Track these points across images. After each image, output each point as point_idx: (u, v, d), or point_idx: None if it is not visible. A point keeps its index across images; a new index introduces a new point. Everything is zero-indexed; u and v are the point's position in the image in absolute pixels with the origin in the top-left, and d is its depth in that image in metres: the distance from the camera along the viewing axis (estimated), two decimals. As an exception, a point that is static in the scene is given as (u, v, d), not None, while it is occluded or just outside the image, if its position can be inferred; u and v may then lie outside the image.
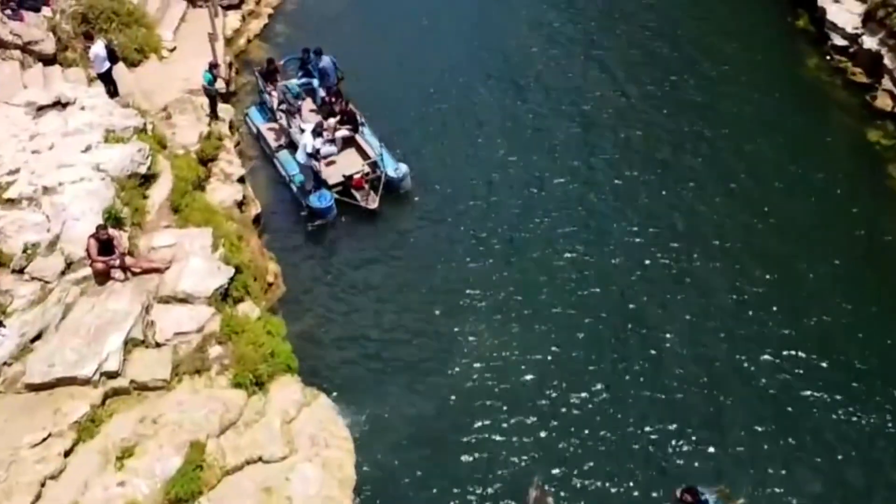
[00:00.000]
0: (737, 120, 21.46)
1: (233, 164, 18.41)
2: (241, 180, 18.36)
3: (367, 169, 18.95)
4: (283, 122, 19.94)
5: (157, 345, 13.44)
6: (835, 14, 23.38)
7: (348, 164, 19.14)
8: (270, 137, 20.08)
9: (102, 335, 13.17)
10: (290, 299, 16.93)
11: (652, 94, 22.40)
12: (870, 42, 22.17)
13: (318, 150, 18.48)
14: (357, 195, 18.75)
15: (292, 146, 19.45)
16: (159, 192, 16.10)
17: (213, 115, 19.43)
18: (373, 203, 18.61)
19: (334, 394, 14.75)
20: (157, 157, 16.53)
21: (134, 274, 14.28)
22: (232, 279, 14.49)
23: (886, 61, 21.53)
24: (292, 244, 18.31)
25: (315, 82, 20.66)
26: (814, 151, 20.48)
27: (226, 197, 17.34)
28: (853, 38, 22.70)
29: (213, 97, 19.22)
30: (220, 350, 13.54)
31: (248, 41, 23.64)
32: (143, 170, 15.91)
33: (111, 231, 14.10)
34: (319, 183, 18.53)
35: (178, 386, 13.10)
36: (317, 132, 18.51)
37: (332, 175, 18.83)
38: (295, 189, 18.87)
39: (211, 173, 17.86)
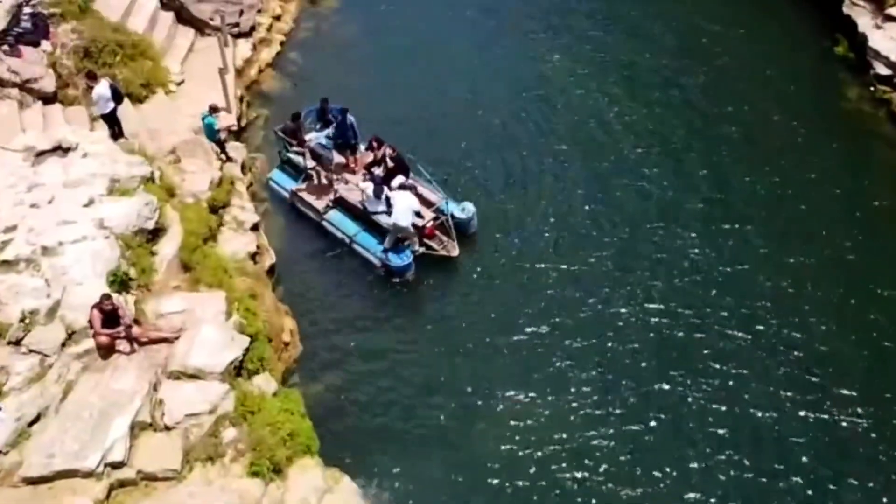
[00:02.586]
0: (773, 156, 20.24)
1: (245, 210, 17.32)
2: (255, 227, 17.25)
3: (432, 215, 17.77)
4: (323, 178, 18.67)
5: (167, 428, 12.30)
6: (877, 41, 22.19)
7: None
8: (312, 199, 18.58)
9: (106, 419, 12.05)
10: (308, 358, 15.82)
11: (679, 124, 21.28)
12: (916, 72, 21.03)
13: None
14: (433, 244, 17.64)
15: (341, 204, 18.33)
16: (168, 248, 14.98)
17: (224, 155, 18.30)
18: (454, 249, 17.54)
19: (357, 472, 13.61)
20: (165, 208, 15.41)
21: (141, 344, 13.16)
22: (247, 350, 13.34)
23: (934, 94, 20.39)
24: (309, 296, 17.17)
25: (330, 132, 19.19)
26: (856, 192, 19.23)
27: (239, 248, 16.23)
28: (898, 68, 21.54)
29: (220, 140, 18.08)
30: (234, 433, 12.39)
31: (260, 71, 22.48)
32: (150, 225, 14.80)
33: (116, 300, 12.97)
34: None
35: (190, 476, 11.95)
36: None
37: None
38: (366, 252, 17.64)
39: (223, 221, 16.75)
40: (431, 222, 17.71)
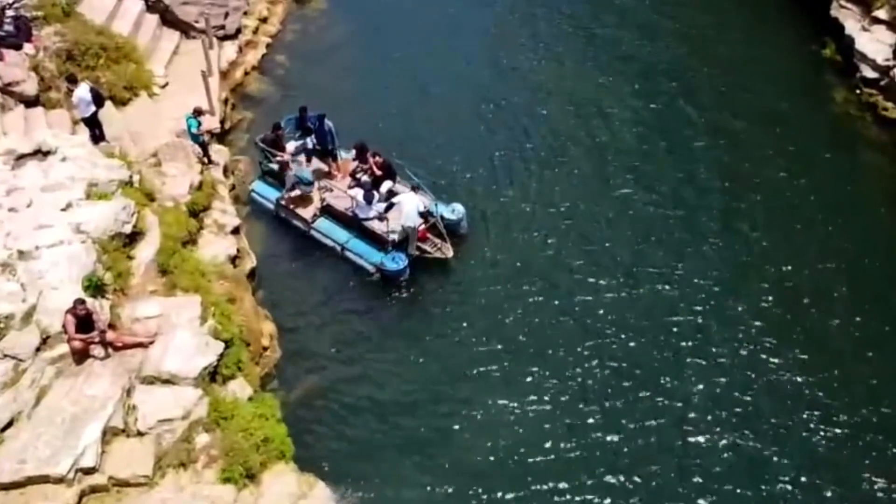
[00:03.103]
0: (759, 161, 20.23)
1: (227, 214, 17.29)
2: (236, 231, 17.21)
3: (420, 220, 17.59)
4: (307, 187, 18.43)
5: (139, 433, 12.25)
6: (864, 44, 22.15)
7: (394, 218, 17.72)
8: (298, 209, 18.41)
9: (79, 425, 11.98)
10: (288, 363, 15.79)
11: (667, 128, 21.23)
12: (903, 75, 20.96)
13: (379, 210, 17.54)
14: (426, 247, 17.59)
15: (329, 212, 18.22)
16: (146, 252, 14.90)
17: (207, 158, 18.26)
18: (448, 251, 17.52)
19: (333, 478, 13.54)
20: (143, 212, 15.36)
21: (116, 349, 13.12)
22: (222, 355, 13.30)
23: (921, 97, 20.33)
24: (291, 300, 17.14)
25: (310, 141, 19.16)
26: (841, 194, 19.27)
27: (219, 252, 16.18)
28: (884, 71, 21.48)
29: (202, 143, 18.03)
30: (207, 439, 12.34)
31: (246, 73, 22.43)
32: (127, 229, 14.72)
33: (90, 305, 12.91)
34: (382, 242, 17.52)
35: (162, 482, 11.90)
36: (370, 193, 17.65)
37: (391, 232, 17.57)
38: (359, 258, 17.56)
39: (203, 225, 16.71)
40: (423, 225, 17.65)
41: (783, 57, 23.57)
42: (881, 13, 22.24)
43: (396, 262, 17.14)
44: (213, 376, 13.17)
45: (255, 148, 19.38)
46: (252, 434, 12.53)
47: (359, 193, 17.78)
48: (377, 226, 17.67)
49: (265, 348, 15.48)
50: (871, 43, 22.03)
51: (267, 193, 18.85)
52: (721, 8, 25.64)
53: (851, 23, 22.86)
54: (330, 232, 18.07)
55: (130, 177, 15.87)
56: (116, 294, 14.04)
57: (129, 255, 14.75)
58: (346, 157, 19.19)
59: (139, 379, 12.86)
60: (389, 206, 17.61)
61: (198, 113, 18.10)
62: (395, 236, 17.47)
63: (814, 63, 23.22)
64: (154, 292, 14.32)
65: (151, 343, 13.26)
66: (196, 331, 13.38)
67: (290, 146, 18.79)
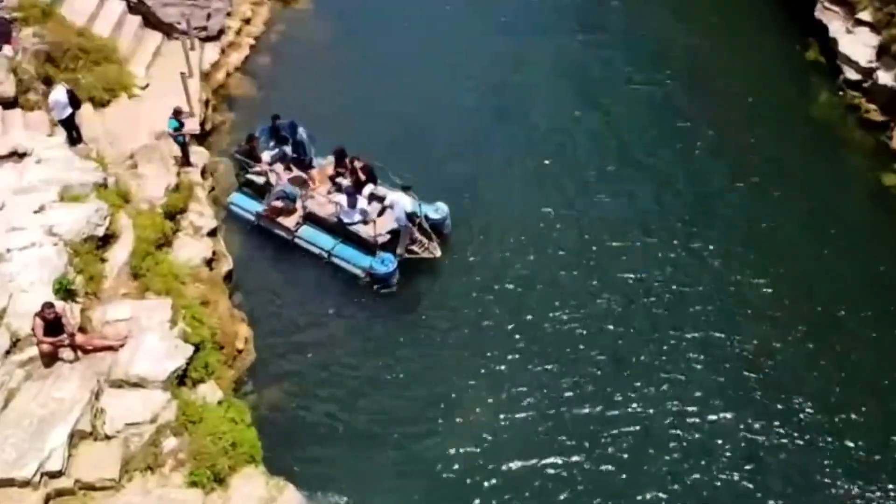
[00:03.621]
0: (742, 163, 20.22)
1: (204, 216, 17.24)
2: (213, 233, 17.16)
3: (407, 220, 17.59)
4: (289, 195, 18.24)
5: (107, 437, 12.22)
6: (847, 46, 22.12)
7: (386, 220, 17.70)
8: (281, 218, 18.15)
9: (46, 428, 11.95)
10: (262, 367, 15.71)
11: (652, 133, 21.20)
12: (885, 77, 20.92)
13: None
14: (415, 248, 17.52)
15: (312, 219, 18.08)
16: (119, 255, 14.89)
17: (185, 160, 18.22)
18: (436, 250, 17.47)
19: (305, 482, 13.50)
20: (117, 215, 15.32)
21: (85, 352, 13.08)
22: (191, 359, 13.26)
23: (903, 99, 20.27)
24: (268, 302, 17.10)
25: (288, 150, 19.00)
26: (824, 198, 19.25)
27: (194, 254, 16.14)
28: (867, 73, 21.45)
29: (183, 144, 17.99)
30: (175, 443, 12.31)
31: (228, 75, 22.40)
32: (100, 232, 14.70)
33: (60, 307, 12.85)
34: (368, 246, 17.45)
35: (129, 485, 11.88)
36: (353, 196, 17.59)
37: (377, 235, 17.49)
38: (347, 264, 17.45)
39: (179, 227, 16.67)
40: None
41: (768, 59, 23.54)
42: (865, 15, 22.19)
43: (386, 265, 17.08)
44: (182, 380, 13.14)
45: (232, 160, 19.15)
46: (220, 438, 12.49)
47: (342, 199, 17.72)
48: (363, 230, 17.61)
49: (239, 351, 15.43)
50: (855, 45, 21.99)
51: (246, 205, 18.58)
52: (706, 10, 25.59)
53: (836, 24, 22.84)
54: (314, 239, 17.93)
55: (105, 179, 15.85)
56: (88, 297, 14.01)
57: (102, 258, 14.74)
58: (324, 163, 19.09)
59: (108, 382, 12.84)
60: (384, 209, 17.65)
61: (177, 113, 18.04)
62: (382, 238, 17.42)
63: (798, 65, 23.20)
64: (126, 295, 14.29)
65: (121, 346, 13.23)
66: (166, 334, 13.36)
67: (266, 156, 18.64)
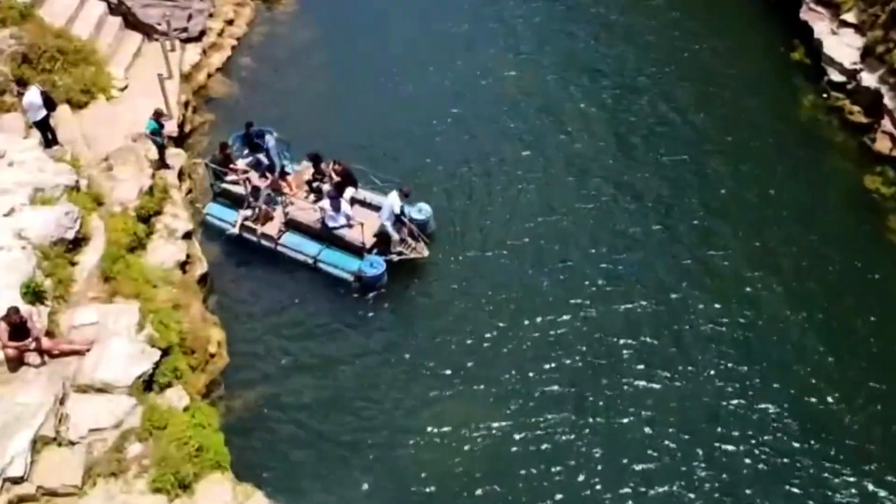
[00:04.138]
0: (725, 164, 20.14)
1: (178, 219, 17.11)
2: (188, 236, 17.05)
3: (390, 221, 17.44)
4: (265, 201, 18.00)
5: (71, 443, 12.12)
6: (832, 47, 22.00)
7: (370, 223, 17.58)
8: (262, 226, 17.91)
9: (9, 433, 11.83)
10: (234, 371, 15.62)
11: (636, 133, 21.08)
12: (869, 79, 20.79)
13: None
14: (402, 249, 17.47)
15: (294, 225, 17.88)
16: (89, 258, 14.76)
17: (162, 163, 18.10)
18: (424, 250, 17.47)
19: (275, 487, 13.49)
20: (88, 218, 15.21)
21: (52, 357, 12.98)
22: (158, 363, 13.16)
23: (886, 101, 20.15)
24: (243, 306, 17.03)
25: (263, 157, 18.69)
26: (806, 199, 19.21)
27: (167, 258, 16.03)
28: (851, 74, 21.32)
29: (161, 146, 17.89)
30: (139, 448, 12.22)
31: (209, 76, 22.24)
32: (70, 235, 14.57)
33: (25, 311, 12.73)
34: (355, 249, 17.38)
35: (91, 491, 11.78)
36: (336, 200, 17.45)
37: (363, 238, 17.38)
38: (334, 269, 17.29)
39: (153, 230, 16.55)
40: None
41: (753, 60, 23.41)
42: (849, 16, 22.06)
43: (375, 267, 16.99)
44: (149, 385, 13.04)
45: (206, 169, 18.88)
46: (186, 443, 12.39)
47: (326, 203, 17.59)
48: (349, 233, 17.48)
49: (212, 355, 15.31)
50: (839, 46, 21.86)
51: (223, 215, 18.29)
52: (692, 10, 25.44)
53: (820, 26, 22.71)
54: (299, 246, 17.73)
55: (77, 182, 15.72)
56: (57, 300, 13.89)
57: (73, 262, 14.62)
58: (298, 169, 18.93)
59: (73, 387, 12.74)
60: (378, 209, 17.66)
61: (158, 115, 17.90)
62: (370, 241, 17.36)
63: (783, 66, 23.05)
64: (95, 299, 14.17)
65: (88, 351, 13.12)
66: (132, 338, 13.26)
67: (241, 164, 18.38)
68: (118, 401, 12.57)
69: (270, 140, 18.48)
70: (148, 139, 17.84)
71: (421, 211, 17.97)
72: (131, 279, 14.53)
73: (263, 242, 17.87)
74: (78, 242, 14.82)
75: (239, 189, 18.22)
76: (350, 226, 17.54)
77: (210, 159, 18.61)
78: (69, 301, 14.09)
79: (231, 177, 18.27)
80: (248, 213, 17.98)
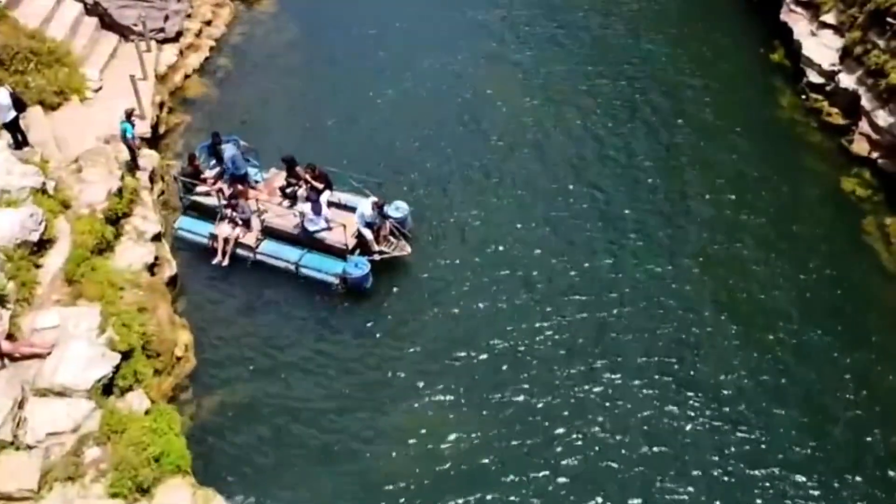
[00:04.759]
0: (703, 165, 20.06)
1: (148, 220, 17.03)
2: (158, 238, 16.95)
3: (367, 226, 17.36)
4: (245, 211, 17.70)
5: (28, 447, 12.04)
6: (811, 48, 21.93)
7: (350, 224, 17.41)
8: (241, 237, 17.56)
9: (-36, 438, 11.81)
10: (202, 374, 15.49)
11: (612, 136, 20.96)
12: (847, 80, 20.70)
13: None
14: (385, 248, 17.39)
15: (271, 233, 17.62)
16: (54, 261, 14.72)
17: (134, 164, 18.01)
18: (406, 248, 17.44)
19: (238, 492, 13.41)
20: (54, 220, 15.14)
21: (13, 360, 12.91)
22: (119, 367, 13.07)
23: (864, 102, 20.04)
24: (212, 309, 16.87)
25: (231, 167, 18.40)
26: (782, 202, 19.06)
27: (135, 260, 15.93)
28: (830, 76, 21.26)
29: (132, 147, 17.80)
30: (97, 452, 12.16)
31: (186, 77, 22.16)
32: (34, 237, 14.50)
33: (-15, 315, 12.73)
34: (337, 252, 17.25)
35: (48, 496, 11.74)
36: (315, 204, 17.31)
37: (345, 240, 17.27)
38: (317, 273, 17.07)
39: (122, 232, 16.45)
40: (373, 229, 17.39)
41: (732, 61, 23.36)
42: (829, 17, 21.98)
43: (360, 268, 16.86)
44: (109, 388, 12.96)
45: (176, 183, 18.48)
46: (145, 448, 12.33)
47: (307, 207, 17.47)
48: (330, 236, 17.37)
49: (178, 358, 15.23)
50: (818, 47, 21.79)
51: (196, 228, 17.88)
52: (672, 11, 25.39)
53: (800, 27, 22.65)
54: (279, 253, 17.47)
55: (44, 183, 15.63)
56: (19, 303, 13.82)
57: (37, 264, 14.55)
58: (267, 176, 18.75)
59: (32, 390, 12.66)
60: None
61: (128, 115, 17.81)
62: (352, 242, 17.30)
63: (762, 67, 23.00)
64: (58, 302, 14.10)
65: (49, 354, 13.05)
66: (92, 341, 13.18)
67: (210, 174, 18.13)
68: (77, 404, 12.51)
69: (230, 149, 18.15)
70: (123, 143, 17.72)
71: (398, 209, 17.89)
72: (96, 282, 14.44)
73: (241, 252, 17.54)
74: (43, 245, 14.77)
75: (210, 201, 17.91)
76: (329, 228, 17.43)
77: (179, 172, 18.30)
78: (33, 304, 14.02)
79: (201, 188, 17.97)
80: (228, 229, 17.54)
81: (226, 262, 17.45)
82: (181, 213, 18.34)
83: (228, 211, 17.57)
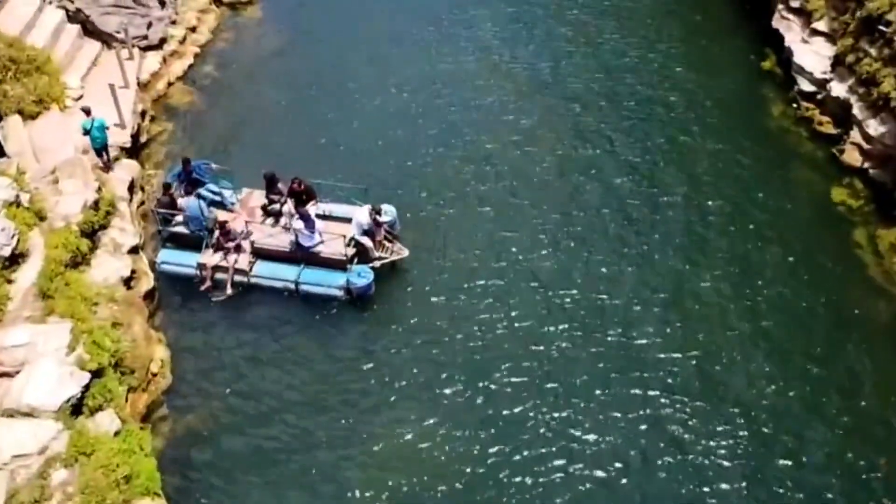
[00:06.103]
0: (691, 173, 19.79)
1: (125, 233, 16.76)
2: (135, 250, 16.68)
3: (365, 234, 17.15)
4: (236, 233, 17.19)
5: (-6, 469, 11.78)
6: (802, 56, 21.62)
7: (349, 233, 17.18)
8: (233, 264, 16.95)
9: (-73, 460, 11.54)
10: (178, 391, 15.26)
11: (602, 140, 20.74)
12: (838, 89, 20.41)
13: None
14: (382, 254, 17.23)
15: (262, 254, 17.19)
16: (27, 275, 14.44)
17: (108, 168, 17.72)
18: (403, 251, 17.32)
19: (209, 513, 13.15)
20: (28, 233, 14.86)
21: (-20, 379, 12.65)
22: (89, 385, 12.80)
23: (855, 111, 19.73)
24: (191, 323, 16.60)
25: (205, 192, 17.65)
26: (774, 212, 18.81)
27: (110, 273, 15.67)
28: (821, 84, 20.97)
29: (99, 151, 17.51)
30: (64, 475, 11.90)
31: (170, 84, 21.87)
32: (6, 251, 14.24)
33: (-49, 333, 12.46)
34: (336, 264, 17.01)
35: (13, 519, 11.46)
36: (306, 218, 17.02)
37: (343, 251, 17.02)
38: (319, 288, 16.77)
39: (98, 245, 16.16)
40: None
41: (723, 68, 23.06)
42: (821, 24, 21.67)
43: (365, 277, 16.64)
44: (78, 408, 12.68)
45: (153, 215, 17.79)
46: (114, 470, 12.07)
47: (299, 223, 17.13)
48: (327, 249, 17.06)
49: (154, 374, 14.97)
50: (810, 55, 21.49)
51: (180, 259, 17.24)
52: (664, 17, 25.09)
53: (791, 34, 22.34)
54: (275, 273, 17.03)
55: (17, 196, 15.35)
56: (-11, 320, 13.55)
57: (9, 279, 14.28)
58: (241, 196, 18.29)
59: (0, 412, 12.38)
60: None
61: (87, 113, 17.45)
62: (351, 251, 17.11)
63: (754, 75, 22.71)
64: (29, 318, 13.81)
65: (17, 373, 12.78)
66: (61, 360, 12.91)
67: (183, 202, 17.35)
68: (44, 425, 12.25)
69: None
70: (92, 145, 17.47)
71: (386, 213, 17.63)
72: (68, 297, 14.17)
73: (236, 278, 17.01)
74: (15, 259, 14.50)
75: (188, 231, 17.34)
76: (322, 241, 17.12)
77: (157, 205, 17.62)
78: (3, 320, 13.75)
79: (179, 218, 17.40)
80: (218, 257, 17.03)
81: (230, 291, 16.90)
82: (161, 246, 17.65)
83: (221, 240, 17.04)
